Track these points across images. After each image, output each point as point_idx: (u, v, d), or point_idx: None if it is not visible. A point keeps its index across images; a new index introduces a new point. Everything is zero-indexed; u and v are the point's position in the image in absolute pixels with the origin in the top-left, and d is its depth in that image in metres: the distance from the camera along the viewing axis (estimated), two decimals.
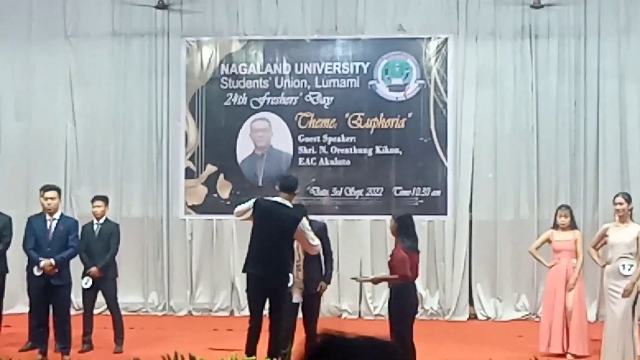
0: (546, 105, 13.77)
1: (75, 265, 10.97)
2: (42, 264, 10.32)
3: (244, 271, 9.49)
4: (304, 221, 9.28)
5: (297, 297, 9.57)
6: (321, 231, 9.84)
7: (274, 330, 9.10)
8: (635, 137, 13.63)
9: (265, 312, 9.33)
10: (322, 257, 9.73)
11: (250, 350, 8.99)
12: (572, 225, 11.05)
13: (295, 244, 9.44)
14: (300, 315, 9.77)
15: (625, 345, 10.04)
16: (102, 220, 11.35)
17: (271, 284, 9.09)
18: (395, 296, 9.11)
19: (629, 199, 10.35)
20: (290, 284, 9.37)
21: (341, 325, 11.38)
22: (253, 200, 9.65)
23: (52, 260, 10.33)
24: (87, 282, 11.09)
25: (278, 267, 9.08)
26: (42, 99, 14.30)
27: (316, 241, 9.37)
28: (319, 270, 9.69)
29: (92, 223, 11.36)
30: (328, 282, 9.89)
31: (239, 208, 9.66)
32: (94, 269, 11.05)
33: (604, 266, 10.39)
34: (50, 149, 14.24)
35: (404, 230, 9.15)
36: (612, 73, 13.71)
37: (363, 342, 2.41)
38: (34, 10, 14.28)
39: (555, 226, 11.08)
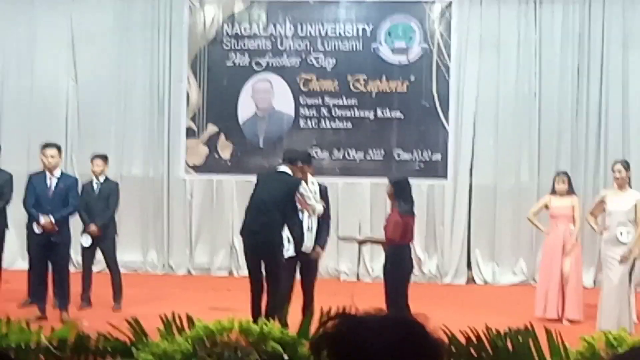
0: (549, 72, 13.73)
1: (75, 223, 11.01)
2: (42, 221, 10.37)
3: (240, 233, 9.60)
4: (304, 186, 9.34)
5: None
6: (322, 194, 9.88)
7: (271, 291, 9.17)
8: (637, 105, 13.59)
9: None
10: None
11: (255, 311, 9.07)
12: (570, 191, 11.05)
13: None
14: (298, 276, 9.81)
15: (621, 311, 10.10)
16: (101, 179, 11.36)
17: (263, 245, 9.16)
18: (390, 259, 9.15)
19: (627, 167, 10.35)
20: (286, 248, 9.38)
21: (341, 288, 11.33)
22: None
23: (52, 218, 10.38)
24: (87, 240, 11.14)
25: (269, 230, 9.15)
26: (45, 57, 14.28)
27: (316, 205, 9.46)
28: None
29: (91, 181, 11.38)
30: (322, 248, 9.91)
31: None
32: (93, 227, 11.09)
33: (601, 233, 10.42)
34: (52, 107, 14.23)
35: (400, 194, 9.17)
36: (616, 40, 13.65)
37: (382, 321, 2.34)
38: None
39: (553, 192, 11.09)
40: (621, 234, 10.04)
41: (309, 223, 9.66)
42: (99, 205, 11.24)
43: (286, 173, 9.46)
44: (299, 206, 9.47)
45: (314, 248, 9.70)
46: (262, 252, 9.23)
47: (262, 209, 9.22)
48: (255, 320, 7.63)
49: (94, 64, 14.27)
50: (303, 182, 9.42)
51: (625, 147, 13.48)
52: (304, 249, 9.59)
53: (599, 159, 13.62)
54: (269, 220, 9.15)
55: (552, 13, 13.75)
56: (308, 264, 9.75)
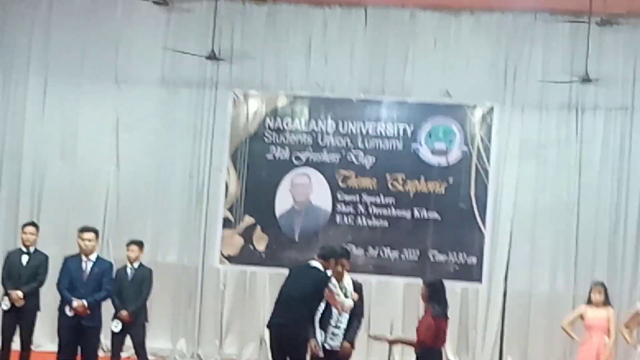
0: (588, 180, 13.70)
1: (106, 308, 11.02)
2: (74, 304, 10.39)
3: (267, 327, 9.51)
4: (333, 281, 9.29)
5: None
6: (356, 290, 9.80)
7: None
8: None
9: None
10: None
11: None
12: (606, 303, 10.94)
13: None
14: None
15: None
16: (136, 265, 11.38)
17: (288, 340, 9.06)
18: None
19: None
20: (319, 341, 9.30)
21: None
22: None
23: (85, 302, 10.41)
24: (117, 326, 11.10)
25: (295, 324, 9.05)
26: (88, 140, 14.46)
27: (345, 302, 9.38)
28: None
29: (125, 267, 11.40)
30: (352, 345, 9.75)
31: None
32: (124, 313, 11.08)
33: (636, 347, 10.25)
34: (92, 190, 14.37)
35: (435, 297, 9.06)
36: None
37: None
38: (86, 54, 14.47)
39: (589, 302, 10.97)
40: None
41: (337, 320, 9.58)
42: (132, 291, 11.23)
43: (317, 268, 9.42)
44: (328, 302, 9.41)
45: (341, 344, 9.59)
46: (287, 347, 9.13)
47: (290, 304, 9.15)
48: None
49: (136, 150, 14.44)
50: (333, 278, 9.36)
51: None
52: (330, 346, 9.49)
53: (637, 271, 13.50)
54: (296, 315, 9.07)
55: (594, 121, 13.77)
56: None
